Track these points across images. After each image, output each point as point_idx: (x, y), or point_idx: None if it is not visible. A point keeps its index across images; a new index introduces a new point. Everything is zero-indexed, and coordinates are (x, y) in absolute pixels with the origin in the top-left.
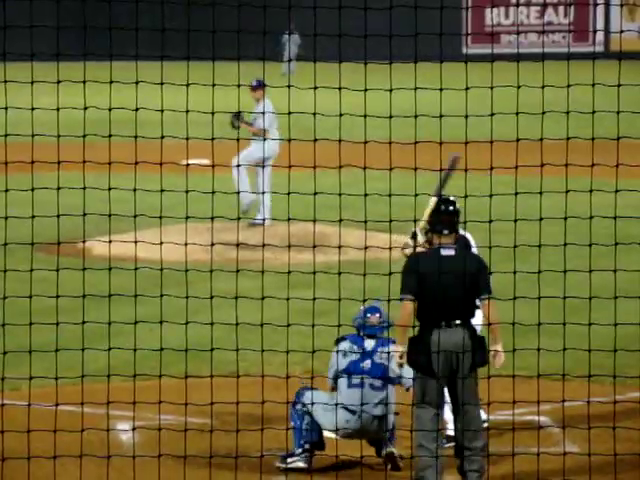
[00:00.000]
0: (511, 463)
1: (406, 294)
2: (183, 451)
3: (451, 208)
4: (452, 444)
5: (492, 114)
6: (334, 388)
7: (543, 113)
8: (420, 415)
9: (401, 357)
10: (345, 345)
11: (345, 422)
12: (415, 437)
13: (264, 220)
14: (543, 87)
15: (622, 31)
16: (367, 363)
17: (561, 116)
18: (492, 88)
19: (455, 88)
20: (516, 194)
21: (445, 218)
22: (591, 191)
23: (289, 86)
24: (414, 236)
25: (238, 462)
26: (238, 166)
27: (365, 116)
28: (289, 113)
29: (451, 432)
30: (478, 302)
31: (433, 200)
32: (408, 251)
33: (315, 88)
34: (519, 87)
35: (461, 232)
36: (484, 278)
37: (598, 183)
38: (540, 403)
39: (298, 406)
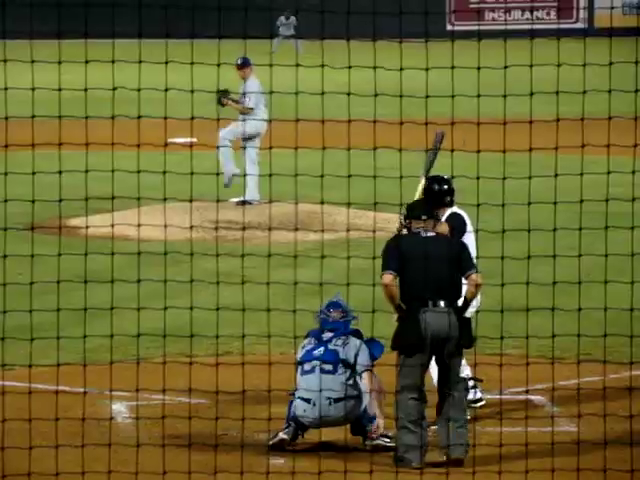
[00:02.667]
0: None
1: (386, 271)
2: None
3: (445, 187)
4: (435, 427)
5: (479, 95)
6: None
7: (531, 94)
8: (402, 400)
9: (397, 319)
10: (305, 341)
11: (303, 411)
12: (399, 420)
13: (244, 201)
14: (531, 66)
15: (612, 7)
16: (320, 350)
17: (549, 95)
18: (479, 69)
19: (441, 66)
20: (504, 178)
21: (423, 204)
22: (582, 174)
23: (271, 65)
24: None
25: (218, 442)
26: (219, 146)
27: (349, 94)
28: (270, 92)
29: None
30: (464, 281)
31: (423, 180)
32: (405, 231)
33: (297, 66)
34: (506, 67)
35: (457, 210)
36: (467, 256)
37: (588, 162)
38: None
39: (292, 396)
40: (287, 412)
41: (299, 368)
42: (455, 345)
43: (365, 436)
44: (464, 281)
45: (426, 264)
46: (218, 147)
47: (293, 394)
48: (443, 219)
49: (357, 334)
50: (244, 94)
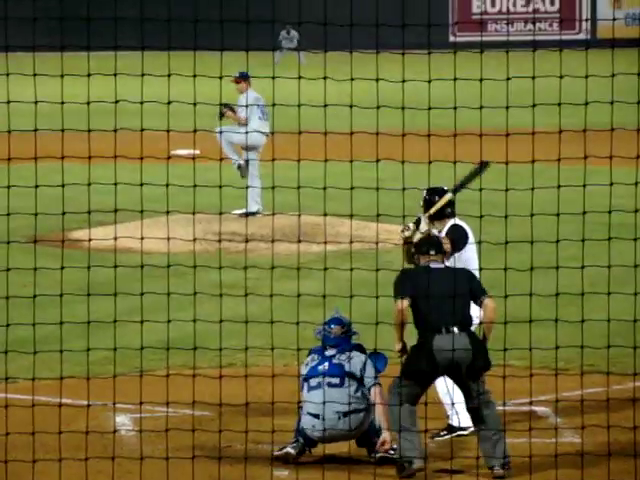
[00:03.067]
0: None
1: (399, 298)
2: (165, 448)
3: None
4: (448, 435)
5: (481, 107)
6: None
7: (534, 106)
8: (397, 409)
9: (400, 356)
10: (308, 358)
11: (312, 427)
12: (395, 424)
13: (247, 214)
14: (534, 77)
15: (614, 19)
16: (325, 365)
17: (551, 106)
18: (482, 80)
19: (443, 78)
20: (506, 190)
21: (432, 240)
22: (584, 185)
23: (273, 77)
24: (418, 221)
25: (218, 455)
26: (220, 132)
27: (351, 106)
28: (273, 105)
29: (453, 422)
30: (476, 308)
31: (448, 195)
32: (408, 233)
33: (300, 78)
34: (509, 79)
35: (459, 222)
36: (477, 284)
37: (591, 173)
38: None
39: (300, 410)
40: (296, 426)
41: (305, 385)
42: (470, 368)
43: (371, 448)
44: (477, 309)
45: (438, 296)
46: (220, 132)
47: (301, 408)
48: (444, 231)
49: (360, 349)
50: (240, 106)
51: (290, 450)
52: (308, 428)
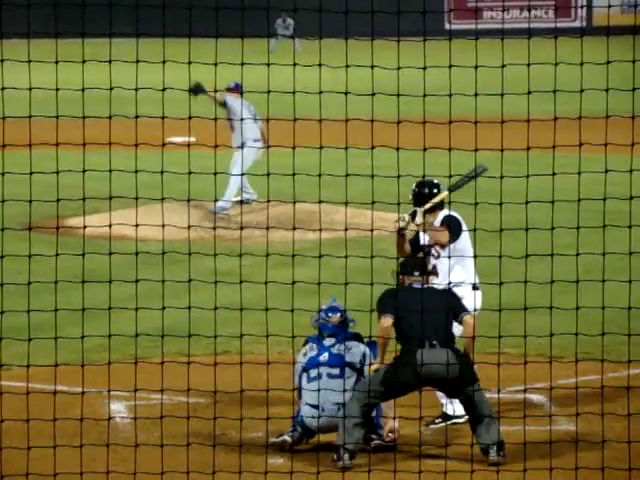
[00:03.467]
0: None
1: (386, 314)
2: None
3: (435, 190)
4: (443, 423)
5: (476, 94)
6: (299, 390)
7: (529, 93)
8: (359, 401)
9: (376, 370)
10: (306, 347)
11: (311, 417)
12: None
13: (242, 201)
14: (529, 65)
15: (610, 6)
16: (325, 356)
17: (547, 94)
18: (476, 68)
19: (438, 65)
20: (502, 177)
21: (417, 261)
22: (579, 173)
23: (268, 64)
24: (413, 214)
25: (212, 443)
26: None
27: (346, 93)
28: (268, 92)
29: (448, 410)
30: (457, 326)
31: (444, 193)
32: (402, 224)
33: (295, 65)
34: (504, 66)
35: (451, 212)
36: (457, 301)
37: (586, 161)
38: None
39: (299, 399)
40: (295, 415)
41: (304, 375)
42: (457, 383)
43: (366, 436)
44: (458, 326)
45: (421, 314)
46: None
47: (300, 397)
48: (438, 221)
49: (358, 338)
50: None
51: (287, 438)
52: (307, 418)
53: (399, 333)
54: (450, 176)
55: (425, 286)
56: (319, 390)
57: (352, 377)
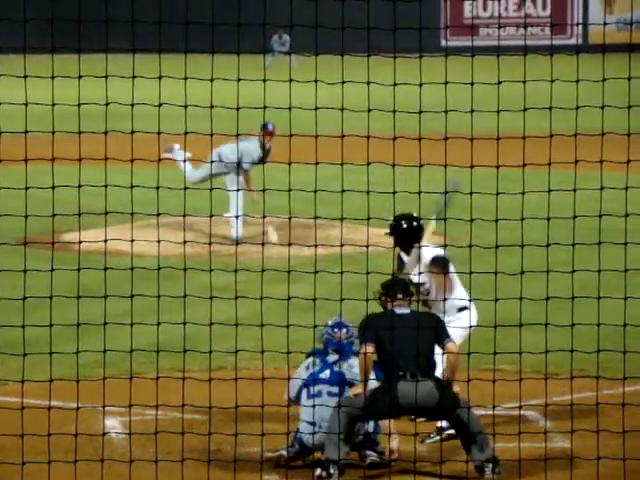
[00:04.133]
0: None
1: (367, 343)
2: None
3: (415, 224)
4: (437, 437)
5: (472, 110)
6: (291, 402)
7: (525, 110)
8: (347, 415)
9: (355, 396)
10: (309, 361)
11: (309, 435)
12: (330, 433)
13: (237, 217)
14: (524, 82)
15: (605, 24)
16: (326, 373)
17: (543, 111)
18: (472, 84)
19: (434, 82)
20: (497, 194)
21: (399, 283)
22: (575, 190)
23: (264, 80)
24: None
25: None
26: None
27: (342, 109)
28: (264, 107)
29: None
30: (438, 352)
31: (432, 223)
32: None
33: (291, 81)
34: (500, 83)
35: (432, 249)
36: (441, 328)
37: (581, 178)
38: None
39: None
40: (294, 432)
41: (304, 391)
42: (437, 412)
43: (362, 453)
44: (439, 351)
45: (402, 342)
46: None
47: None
48: (418, 254)
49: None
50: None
51: (283, 452)
52: (305, 435)
53: (380, 362)
54: (446, 192)
55: (407, 312)
56: (314, 406)
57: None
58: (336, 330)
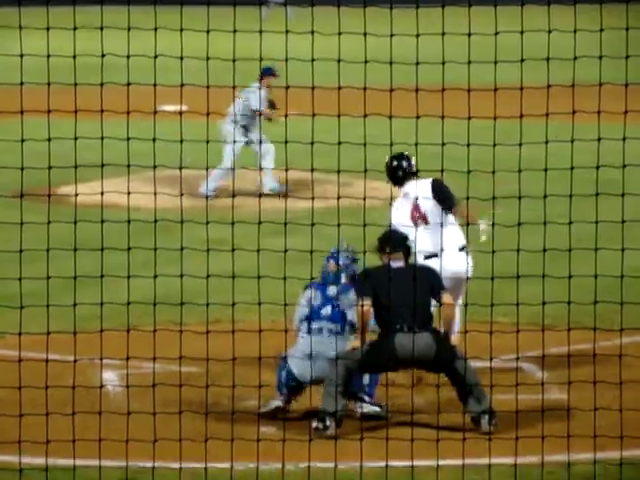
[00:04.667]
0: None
1: (364, 297)
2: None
3: (395, 163)
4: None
5: (469, 62)
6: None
7: (522, 61)
8: (346, 368)
9: (354, 349)
10: (308, 292)
11: (303, 369)
12: (328, 385)
13: (233, 169)
14: (522, 32)
15: None
16: (327, 309)
17: (540, 62)
18: (469, 35)
19: (431, 33)
20: (494, 145)
21: (394, 237)
22: (572, 141)
23: (260, 31)
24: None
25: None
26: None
27: (339, 61)
28: (260, 60)
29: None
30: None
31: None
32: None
33: (287, 32)
34: (497, 34)
35: (426, 180)
36: (437, 280)
37: (579, 129)
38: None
39: (281, 362)
40: (277, 380)
41: (304, 323)
42: (435, 363)
43: (359, 400)
44: (434, 303)
45: (398, 294)
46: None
47: (284, 358)
48: (414, 184)
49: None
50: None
51: (278, 403)
52: (299, 370)
53: (377, 316)
54: (443, 144)
55: (402, 265)
56: (311, 343)
57: (351, 335)
58: (330, 261)
